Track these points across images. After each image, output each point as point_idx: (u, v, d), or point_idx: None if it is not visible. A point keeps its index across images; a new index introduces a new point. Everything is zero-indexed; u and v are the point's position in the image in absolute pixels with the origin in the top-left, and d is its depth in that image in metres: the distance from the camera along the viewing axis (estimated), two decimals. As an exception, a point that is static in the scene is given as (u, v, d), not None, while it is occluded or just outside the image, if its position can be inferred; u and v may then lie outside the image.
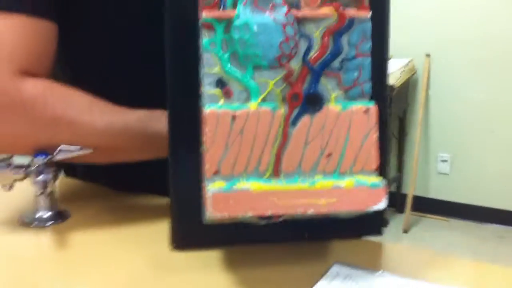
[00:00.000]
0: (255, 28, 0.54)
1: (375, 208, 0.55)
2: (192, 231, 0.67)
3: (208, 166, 0.55)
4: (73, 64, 0.88)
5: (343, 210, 0.55)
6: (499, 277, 0.64)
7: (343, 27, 0.55)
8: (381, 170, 0.57)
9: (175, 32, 0.62)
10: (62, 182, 0.81)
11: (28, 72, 0.73)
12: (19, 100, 0.71)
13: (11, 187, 0.76)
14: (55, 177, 0.77)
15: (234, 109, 0.55)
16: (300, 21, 0.55)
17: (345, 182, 0.55)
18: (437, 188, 3.67)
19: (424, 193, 3.69)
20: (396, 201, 3.69)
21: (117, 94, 0.77)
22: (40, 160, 0.74)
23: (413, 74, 3.53)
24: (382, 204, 0.55)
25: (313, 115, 0.55)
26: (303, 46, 0.55)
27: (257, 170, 0.55)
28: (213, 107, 0.55)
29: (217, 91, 0.55)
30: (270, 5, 0.54)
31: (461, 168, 3.56)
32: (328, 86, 0.56)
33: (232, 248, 0.68)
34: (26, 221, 0.77)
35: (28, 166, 0.74)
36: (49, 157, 0.74)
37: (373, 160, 0.56)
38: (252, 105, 0.55)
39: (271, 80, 0.55)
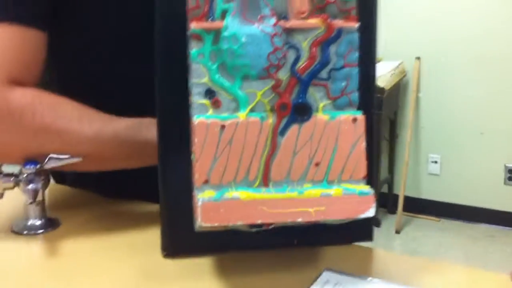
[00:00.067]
0: (243, 39, 0.54)
1: (363, 216, 0.56)
2: (183, 239, 0.67)
3: (197, 175, 0.55)
4: (62, 72, 0.88)
5: (332, 218, 0.56)
6: (491, 283, 0.64)
7: (331, 37, 0.55)
8: (369, 178, 0.58)
9: (165, 42, 0.62)
10: (52, 189, 0.81)
11: (17, 81, 0.73)
12: (7, 110, 0.71)
13: (1, 195, 0.76)
14: (45, 186, 0.77)
15: (223, 119, 0.55)
16: (288, 32, 0.55)
17: (334, 190, 0.56)
18: (428, 188, 3.69)
19: (415, 193, 3.70)
20: (388, 202, 3.70)
21: (106, 102, 0.77)
22: (29, 169, 0.74)
23: (403, 77, 3.54)
24: (370, 212, 0.55)
25: (301, 125, 0.56)
26: (291, 56, 0.56)
27: (246, 179, 0.56)
28: (202, 117, 0.55)
29: (205, 101, 0.56)
30: (258, 16, 0.54)
31: (451, 169, 3.58)
32: (316, 96, 0.56)
33: (223, 255, 0.69)
34: (17, 230, 0.77)
35: (18, 175, 0.75)
36: (39, 165, 0.74)
37: (361, 168, 0.57)
38: (241, 115, 0.55)
39: (260, 90, 0.55)
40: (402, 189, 3.54)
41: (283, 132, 0.56)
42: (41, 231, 0.77)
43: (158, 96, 0.64)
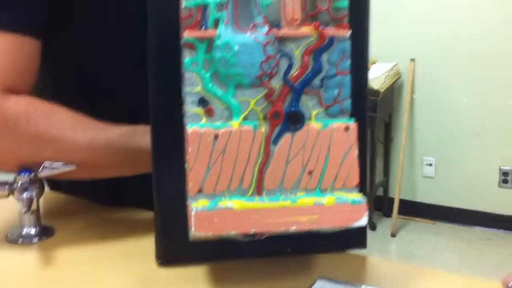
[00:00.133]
0: (236, 47, 0.54)
1: (356, 225, 0.56)
2: (178, 247, 0.67)
3: (191, 184, 0.55)
4: (56, 79, 0.88)
5: (325, 227, 0.56)
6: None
7: (323, 45, 0.56)
8: (362, 187, 0.58)
9: (158, 51, 0.62)
10: (46, 196, 0.81)
11: (11, 89, 0.73)
12: (1, 118, 0.71)
13: (-5, 204, 0.76)
14: (40, 194, 0.77)
15: (216, 128, 0.55)
16: (281, 40, 0.55)
17: (327, 199, 0.56)
18: (423, 191, 3.69)
19: (410, 196, 3.71)
20: (383, 205, 3.71)
21: (100, 109, 0.77)
22: (24, 177, 0.74)
23: (398, 79, 3.55)
24: (363, 221, 0.56)
25: (294, 133, 0.56)
26: (284, 64, 0.56)
27: (240, 188, 0.56)
28: (195, 126, 0.55)
29: (199, 110, 0.56)
30: (251, 24, 0.55)
31: (446, 172, 3.59)
32: (309, 104, 0.56)
33: (217, 264, 0.69)
34: (12, 238, 0.77)
35: (12, 183, 0.74)
36: (33, 174, 0.74)
37: (354, 176, 0.57)
38: (234, 123, 0.55)
39: (253, 99, 0.55)
40: (398, 192, 3.55)
41: (276, 141, 0.56)
42: (36, 239, 0.77)
43: (152, 104, 0.65)
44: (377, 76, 3.28)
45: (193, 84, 0.56)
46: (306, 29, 0.55)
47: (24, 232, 0.77)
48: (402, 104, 3.62)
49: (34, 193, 0.75)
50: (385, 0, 3.46)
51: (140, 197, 0.77)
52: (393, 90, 3.55)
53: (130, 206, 0.86)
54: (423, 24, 3.45)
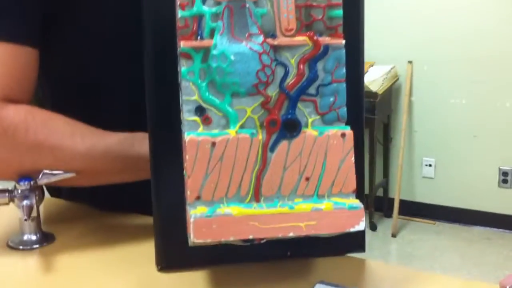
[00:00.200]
0: (232, 57, 0.55)
1: (353, 230, 0.56)
2: (177, 253, 0.68)
3: (189, 192, 0.56)
4: (55, 86, 0.88)
5: (323, 232, 0.56)
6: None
7: (318, 54, 0.56)
8: (359, 192, 0.59)
9: (155, 60, 0.63)
10: (46, 202, 0.82)
11: (9, 99, 0.73)
12: (0, 127, 0.72)
13: (-4, 211, 0.76)
14: (39, 201, 0.77)
15: (213, 136, 0.56)
16: (276, 49, 0.56)
17: (324, 204, 0.56)
18: (423, 192, 3.70)
19: (410, 197, 3.72)
20: (383, 205, 3.72)
21: (99, 116, 0.78)
22: (24, 185, 0.74)
23: (396, 81, 3.56)
24: (360, 226, 0.56)
25: (291, 141, 0.57)
26: (279, 73, 0.56)
27: (238, 195, 0.56)
28: (192, 134, 0.56)
29: (196, 118, 0.56)
30: (246, 34, 0.55)
31: (446, 172, 3.60)
32: (305, 112, 0.57)
33: (217, 268, 0.69)
34: (13, 245, 0.77)
35: (13, 191, 0.75)
36: (33, 181, 0.75)
37: (351, 182, 0.58)
38: (231, 131, 0.56)
39: (249, 107, 0.56)
40: (397, 193, 3.56)
41: (273, 148, 0.56)
42: (36, 246, 0.77)
43: (149, 111, 0.65)
44: (375, 79, 3.28)
45: (190, 93, 0.56)
46: (301, 38, 0.56)
47: (24, 239, 0.78)
48: (400, 106, 3.63)
49: (34, 201, 0.76)
50: (383, 3, 3.47)
51: (140, 203, 0.78)
52: (391, 92, 3.56)
53: (130, 212, 0.87)
54: (421, 26, 3.46)
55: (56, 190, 0.97)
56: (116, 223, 0.86)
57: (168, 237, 0.68)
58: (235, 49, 0.55)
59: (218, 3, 0.55)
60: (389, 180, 3.75)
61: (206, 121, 0.56)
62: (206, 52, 0.55)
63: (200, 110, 0.56)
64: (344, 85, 0.57)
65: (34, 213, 0.76)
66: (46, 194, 0.81)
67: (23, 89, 0.76)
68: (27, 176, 0.75)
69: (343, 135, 0.57)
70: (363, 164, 0.67)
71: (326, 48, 0.56)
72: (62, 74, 0.87)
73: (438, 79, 3.49)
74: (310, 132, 0.57)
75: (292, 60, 0.56)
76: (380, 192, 3.71)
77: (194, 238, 0.55)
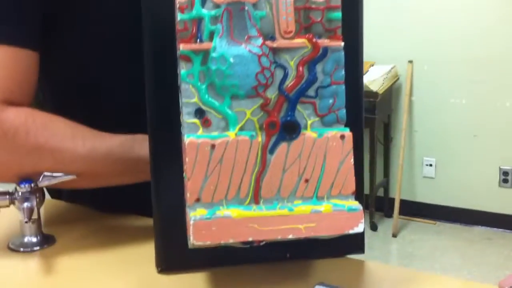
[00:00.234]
0: (231, 59, 0.55)
1: (353, 232, 0.56)
2: (177, 255, 0.68)
3: (189, 194, 0.56)
4: (56, 88, 0.89)
5: (322, 234, 0.57)
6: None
7: (317, 56, 0.56)
8: (358, 194, 0.59)
9: (155, 63, 0.63)
10: (47, 204, 0.82)
11: (10, 101, 0.73)
12: (1, 130, 0.72)
13: (-3, 214, 0.77)
14: (40, 203, 0.77)
15: (213, 138, 0.56)
16: (275, 51, 0.56)
17: (323, 206, 0.57)
18: (423, 192, 3.70)
19: (411, 197, 3.71)
20: (384, 205, 3.71)
21: (101, 114, 0.78)
22: (24, 187, 0.75)
23: (396, 80, 3.56)
24: (359, 228, 0.56)
25: (290, 142, 0.57)
26: (279, 75, 0.57)
27: (238, 197, 0.57)
28: (192, 136, 0.56)
29: (196, 120, 0.56)
30: (246, 37, 0.55)
31: (446, 172, 3.59)
32: (304, 113, 0.57)
33: (216, 270, 0.69)
34: (14, 247, 0.78)
35: (13, 193, 0.75)
36: (33, 184, 0.75)
37: (350, 184, 0.58)
38: (231, 133, 0.56)
39: (248, 109, 0.56)
40: (398, 193, 3.55)
41: (272, 150, 0.57)
42: (37, 248, 0.77)
43: (149, 113, 0.65)
44: (376, 78, 3.28)
45: (190, 95, 0.56)
46: (300, 40, 0.56)
47: (25, 241, 0.78)
48: (400, 105, 3.63)
49: (34, 203, 0.76)
50: (383, 3, 3.47)
51: (140, 204, 0.78)
52: (392, 91, 3.56)
53: (130, 213, 0.87)
54: (421, 26, 3.46)
55: (56, 192, 0.97)
56: (116, 225, 0.86)
57: (168, 239, 0.68)
58: (235, 52, 0.55)
59: (217, 6, 0.55)
60: (390, 180, 3.75)
61: (206, 123, 0.56)
62: (205, 54, 0.56)
63: (199, 113, 0.56)
64: (343, 87, 0.58)
65: (34, 215, 0.76)
66: (47, 196, 0.81)
67: (24, 92, 0.76)
68: (27, 178, 0.75)
69: (342, 137, 0.57)
70: (362, 165, 0.67)
71: (325, 50, 0.57)
72: (62, 74, 0.87)
73: (438, 79, 3.49)
74: (309, 134, 0.57)
75: (291, 62, 0.56)
76: (380, 192, 3.71)
77: (194, 240, 0.55)
